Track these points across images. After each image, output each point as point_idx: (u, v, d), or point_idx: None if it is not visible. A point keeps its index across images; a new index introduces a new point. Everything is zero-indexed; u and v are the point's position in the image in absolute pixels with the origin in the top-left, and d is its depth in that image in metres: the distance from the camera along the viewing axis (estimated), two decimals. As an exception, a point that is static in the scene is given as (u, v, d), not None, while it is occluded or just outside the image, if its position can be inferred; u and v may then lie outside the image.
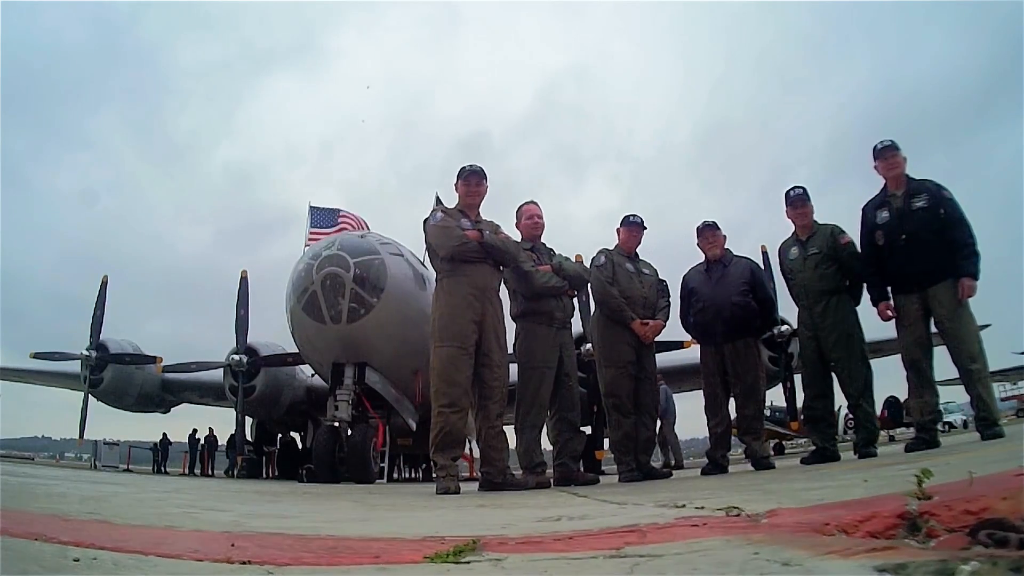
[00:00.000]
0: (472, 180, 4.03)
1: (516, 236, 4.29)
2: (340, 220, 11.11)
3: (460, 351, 3.68)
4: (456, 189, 4.08)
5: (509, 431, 4.12)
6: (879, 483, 1.78)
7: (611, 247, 4.61)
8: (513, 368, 4.17)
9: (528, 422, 4.07)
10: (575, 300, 4.71)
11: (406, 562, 0.80)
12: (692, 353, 9.61)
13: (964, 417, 19.36)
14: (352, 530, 1.32)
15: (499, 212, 4.25)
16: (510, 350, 4.15)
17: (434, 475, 3.77)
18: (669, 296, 4.65)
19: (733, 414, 4.69)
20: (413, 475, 19.00)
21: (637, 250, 4.65)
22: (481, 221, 3.99)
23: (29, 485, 3.20)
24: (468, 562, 0.81)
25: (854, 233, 4.36)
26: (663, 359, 6.40)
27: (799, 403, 10.33)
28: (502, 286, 4.11)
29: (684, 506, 1.52)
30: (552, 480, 4.11)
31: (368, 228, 11.32)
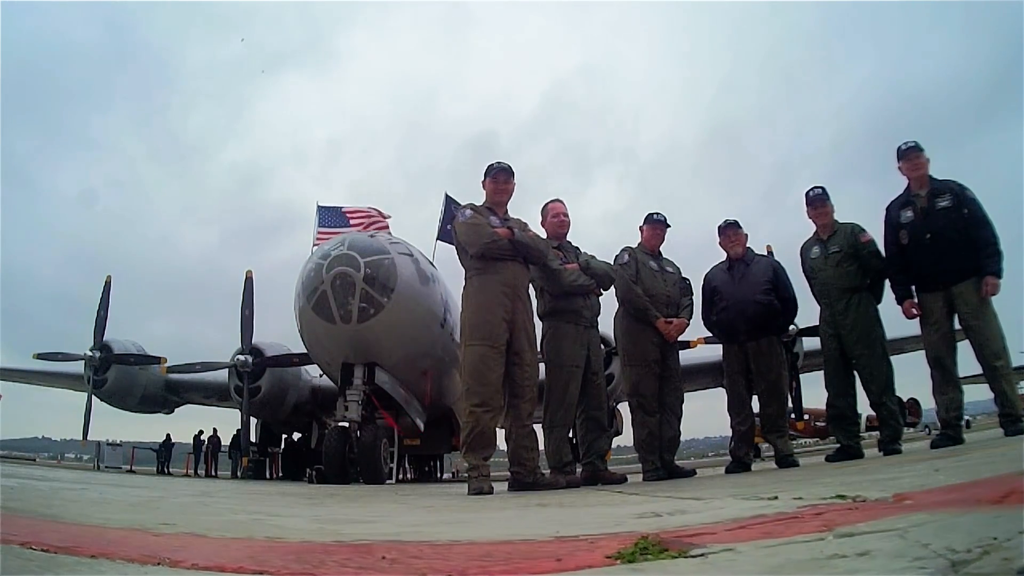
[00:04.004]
0: (500, 177, 4.02)
1: (541, 234, 4.28)
2: (350, 221, 10.94)
3: (491, 350, 3.65)
4: (484, 186, 4.06)
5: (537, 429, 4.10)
6: (954, 471, 1.77)
7: (634, 245, 4.61)
8: (540, 367, 4.15)
9: (557, 421, 4.04)
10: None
11: (592, 565, 0.75)
12: (696, 353, 9.64)
13: (968, 417, 19.58)
14: (464, 534, 1.24)
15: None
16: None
17: (466, 475, 3.74)
18: (692, 294, 4.65)
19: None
20: (417, 476, 18.84)
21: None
22: (509, 219, 3.97)
23: (57, 490, 3.14)
24: (703, 555, 0.76)
25: (870, 231, 4.40)
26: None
27: (802, 403, 10.44)
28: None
29: (776, 498, 1.46)
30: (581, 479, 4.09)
31: (383, 216, 11.22)
